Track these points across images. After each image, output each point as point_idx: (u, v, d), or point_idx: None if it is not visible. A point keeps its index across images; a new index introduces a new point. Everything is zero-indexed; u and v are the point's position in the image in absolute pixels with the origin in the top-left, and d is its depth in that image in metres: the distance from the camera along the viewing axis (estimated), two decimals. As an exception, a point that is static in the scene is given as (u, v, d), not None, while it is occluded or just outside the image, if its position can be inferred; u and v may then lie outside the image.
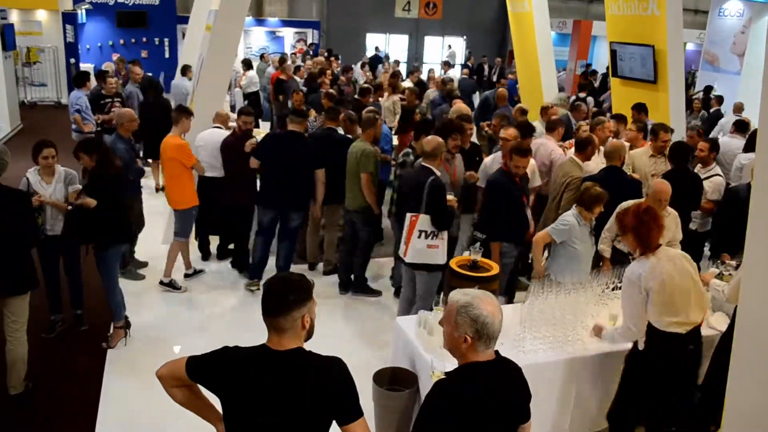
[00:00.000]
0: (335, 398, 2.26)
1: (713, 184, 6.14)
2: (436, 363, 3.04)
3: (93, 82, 9.64)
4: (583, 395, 4.05)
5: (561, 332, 3.99)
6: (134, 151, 6.28)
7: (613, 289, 4.51)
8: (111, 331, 5.32)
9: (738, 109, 11.26)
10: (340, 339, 5.55)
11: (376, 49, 21.42)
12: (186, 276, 6.56)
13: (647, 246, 3.63)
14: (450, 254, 5.10)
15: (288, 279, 2.34)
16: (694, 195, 5.91)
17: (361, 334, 5.74)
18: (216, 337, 5.40)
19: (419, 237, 4.95)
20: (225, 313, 6.04)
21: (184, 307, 6.09)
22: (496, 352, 2.46)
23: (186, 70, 11.14)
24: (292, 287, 2.30)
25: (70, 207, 4.98)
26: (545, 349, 3.91)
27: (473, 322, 2.35)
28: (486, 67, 19.44)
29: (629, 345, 3.89)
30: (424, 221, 4.95)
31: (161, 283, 6.35)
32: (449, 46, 23.76)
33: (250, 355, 2.30)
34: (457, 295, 2.45)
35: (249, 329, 5.42)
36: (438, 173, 5.05)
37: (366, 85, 10.46)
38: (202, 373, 2.34)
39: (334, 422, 2.31)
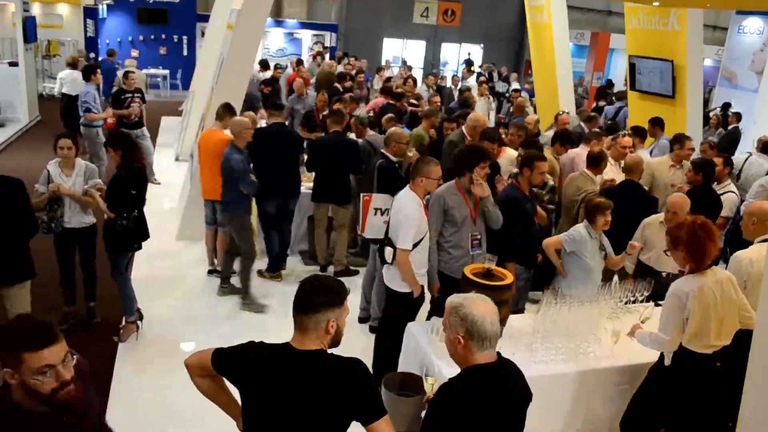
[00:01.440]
0: (355, 399, 2.27)
1: (727, 200, 6.13)
2: (429, 370, 3.05)
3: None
4: (595, 407, 4.03)
5: (573, 344, 3.98)
6: (250, 163, 6.06)
7: (626, 303, 4.50)
8: (123, 324, 5.36)
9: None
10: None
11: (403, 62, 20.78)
12: (209, 271, 6.70)
13: (700, 262, 3.56)
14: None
15: (323, 281, 2.37)
16: (714, 212, 5.87)
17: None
18: (229, 334, 5.42)
19: (375, 214, 5.61)
20: (238, 310, 6.04)
21: (198, 303, 6.11)
22: (498, 353, 2.49)
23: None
24: (324, 289, 2.31)
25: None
26: (557, 361, 3.90)
27: (463, 321, 2.40)
28: (495, 74, 19.27)
29: (644, 359, 3.88)
30: (377, 200, 5.65)
31: (209, 272, 6.66)
32: (468, 54, 23.71)
33: (273, 352, 2.33)
34: (453, 298, 2.52)
35: (262, 329, 5.50)
36: (393, 158, 5.80)
37: (399, 90, 10.34)
38: (226, 366, 2.38)
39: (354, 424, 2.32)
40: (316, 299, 2.28)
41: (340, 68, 14.20)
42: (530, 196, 5.23)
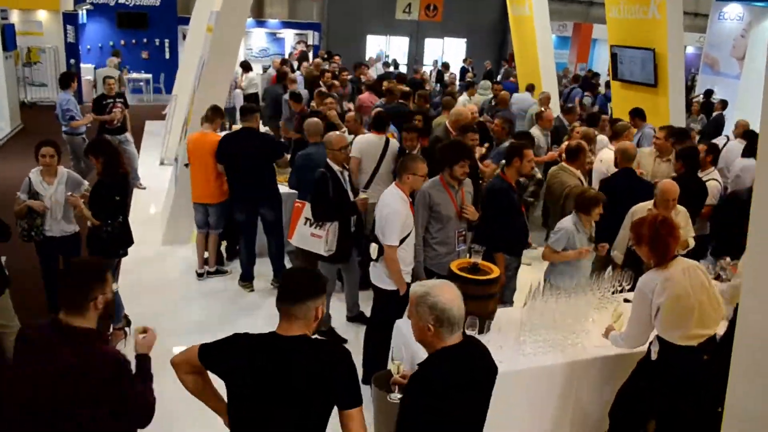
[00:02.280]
0: (337, 384, 2.37)
1: (710, 188, 6.14)
2: (395, 353, 3.07)
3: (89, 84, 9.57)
4: (584, 398, 4.04)
5: (561, 335, 3.99)
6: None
7: (613, 293, 4.51)
8: (110, 331, 5.31)
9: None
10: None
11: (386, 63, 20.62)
12: (199, 275, 6.63)
13: (663, 258, 3.61)
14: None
15: (306, 271, 2.55)
16: (700, 200, 5.90)
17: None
18: (217, 337, 5.38)
19: (305, 224, 5.31)
20: (226, 314, 6.02)
21: (184, 308, 6.08)
22: (463, 333, 2.57)
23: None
24: (309, 279, 2.47)
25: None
26: (545, 353, 3.91)
27: (431, 309, 2.45)
28: (470, 69, 19.18)
29: (631, 350, 3.89)
30: (308, 210, 5.30)
31: (209, 273, 6.62)
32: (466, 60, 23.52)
33: (259, 340, 2.42)
34: (416, 287, 2.58)
35: (252, 329, 5.45)
36: (335, 168, 5.22)
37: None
38: (212, 358, 2.46)
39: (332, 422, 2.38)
40: (304, 289, 2.42)
41: (325, 66, 14.15)
42: (516, 187, 5.25)
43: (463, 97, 11.41)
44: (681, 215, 5.10)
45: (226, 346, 2.45)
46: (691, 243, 5.13)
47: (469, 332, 3.62)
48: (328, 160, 5.31)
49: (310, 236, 5.28)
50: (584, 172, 6.45)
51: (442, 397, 2.44)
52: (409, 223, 4.50)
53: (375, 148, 6.35)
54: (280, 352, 2.36)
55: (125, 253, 5.26)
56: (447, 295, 2.49)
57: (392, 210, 4.40)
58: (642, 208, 5.11)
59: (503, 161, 5.46)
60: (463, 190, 4.84)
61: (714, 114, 12.49)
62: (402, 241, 4.45)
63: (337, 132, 6.06)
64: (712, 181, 6.24)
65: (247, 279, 6.49)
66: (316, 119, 6.54)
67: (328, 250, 5.24)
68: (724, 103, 12.59)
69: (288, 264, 6.86)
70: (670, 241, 3.60)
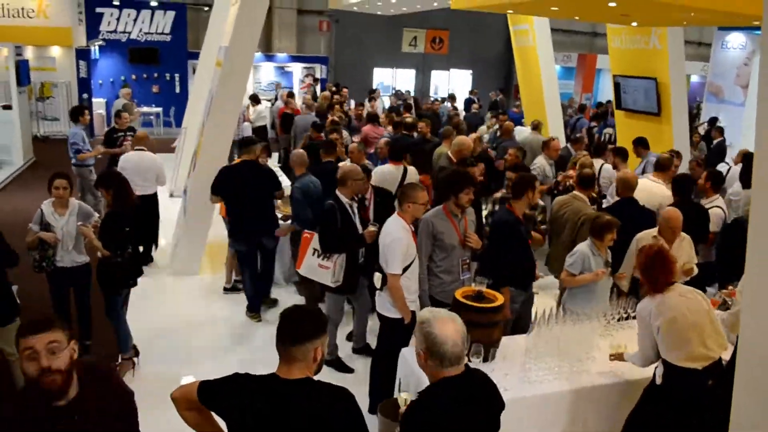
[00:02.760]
0: (344, 428, 2.30)
1: (713, 215, 6.13)
2: (402, 384, 3.06)
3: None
4: (590, 425, 4.02)
5: (567, 363, 4.00)
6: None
7: (618, 320, 4.52)
8: (119, 361, 5.35)
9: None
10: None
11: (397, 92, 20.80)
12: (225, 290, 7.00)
13: (654, 286, 3.72)
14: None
15: (305, 310, 2.43)
16: (701, 226, 5.88)
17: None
18: (225, 368, 5.39)
19: (313, 254, 5.36)
20: (236, 343, 6.06)
21: (194, 337, 6.11)
22: (466, 365, 2.53)
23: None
24: (309, 319, 2.37)
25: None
26: (551, 380, 3.91)
27: (425, 338, 2.45)
28: (476, 99, 19.37)
29: (638, 375, 3.89)
30: (316, 241, 5.36)
31: (225, 290, 6.98)
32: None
33: (259, 382, 2.35)
34: (424, 312, 2.57)
35: (261, 360, 5.47)
36: (344, 200, 5.28)
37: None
38: (212, 398, 2.39)
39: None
40: (304, 329, 2.32)
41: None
42: (523, 220, 5.19)
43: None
44: (685, 242, 5.12)
45: (226, 387, 2.37)
46: (695, 270, 5.13)
47: (474, 360, 3.65)
48: (337, 192, 5.34)
49: (317, 267, 5.33)
50: (591, 200, 6.50)
51: (438, 429, 2.40)
52: (411, 251, 4.54)
53: (393, 177, 6.46)
54: (279, 396, 2.28)
55: (135, 284, 5.32)
56: (445, 329, 2.45)
57: (394, 239, 4.45)
58: (647, 236, 5.14)
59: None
60: (466, 219, 4.86)
61: (715, 142, 12.53)
62: (405, 270, 4.48)
63: (349, 162, 6.13)
64: (716, 208, 6.24)
65: (254, 310, 6.52)
66: (301, 151, 6.72)
67: (335, 281, 5.30)
68: (721, 130, 12.69)
69: (290, 295, 6.91)
70: (661, 275, 3.70)
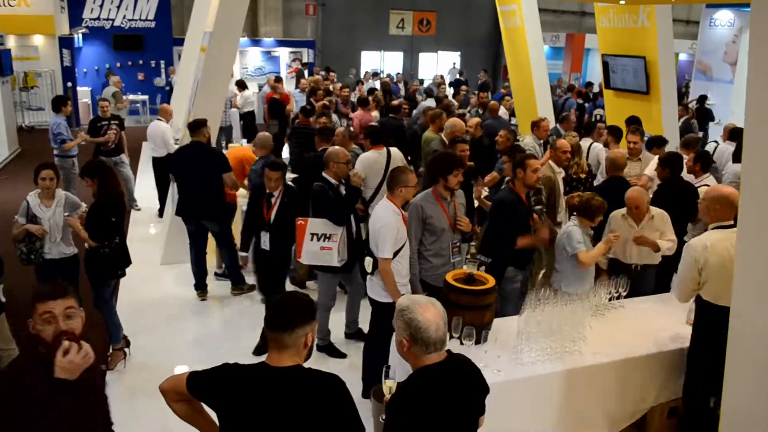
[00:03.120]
0: (335, 415, 2.28)
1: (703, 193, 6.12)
2: (391, 371, 3.04)
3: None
4: (583, 406, 4.04)
5: (559, 344, 4.00)
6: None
7: (610, 300, 4.53)
8: (110, 352, 5.32)
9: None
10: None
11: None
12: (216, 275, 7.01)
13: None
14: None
15: (294, 297, 2.41)
16: (689, 205, 5.88)
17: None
18: (217, 356, 5.37)
19: (312, 240, 5.22)
20: (227, 332, 6.04)
21: (185, 327, 6.08)
22: (448, 351, 2.51)
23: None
24: (298, 305, 2.35)
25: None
26: (543, 361, 3.91)
27: (407, 326, 2.42)
28: (464, 81, 19.33)
29: (630, 354, 3.95)
30: (313, 224, 5.23)
31: (216, 275, 6.99)
32: (454, 64, 23.74)
33: (250, 372, 2.33)
34: (402, 299, 2.53)
35: (251, 349, 5.48)
36: (332, 181, 5.33)
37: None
38: (201, 389, 2.36)
39: None
40: (294, 316, 2.31)
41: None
42: (527, 202, 5.15)
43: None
44: (656, 219, 5.14)
45: (214, 377, 2.34)
46: (671, 246, 5.13)
47: (466, 342, 3.65)
48: (325, 174, 5.36)
49: (320, 251, 5.25)
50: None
51: (421, 419, 2.39)
52: (402, 235, 4.51)
53: (378, 163, 6.41)
54: (271, 385, 2.27)
55: (123, 274, 5.27)
56: (427, 314, 2.43)
57: (384, 223, 4.44)
58: (617, 214, 5.25)
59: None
60: (456, 202, 4.82)
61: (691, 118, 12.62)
62: (396, 254, 4.47)
63: (338, 147, 5.96)
64: (704, 186, 6.22)
65: (199, 288, 6.62)
66: (266, 134, 6.89)
67: (341, 260, 5.27)
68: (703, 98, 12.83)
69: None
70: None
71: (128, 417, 4.59)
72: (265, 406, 2.25)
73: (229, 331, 6.07)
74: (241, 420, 2.27)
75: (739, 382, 2.76)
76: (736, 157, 7.24)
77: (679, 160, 6.09)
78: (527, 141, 8.08)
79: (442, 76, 19.49)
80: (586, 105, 15.88)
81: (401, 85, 18.51)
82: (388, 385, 2.89)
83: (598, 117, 13.61)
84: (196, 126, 6.51)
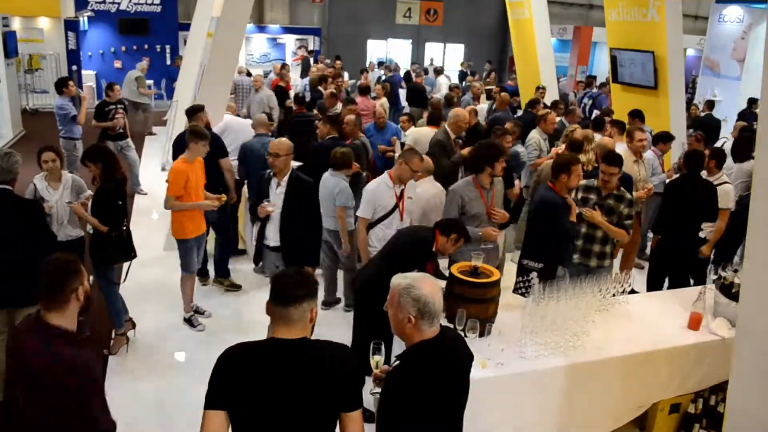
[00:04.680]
0: (344, 383, 2.34)
1: (725, 191, 5.99)
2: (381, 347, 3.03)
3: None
4: (586, 401, 4.04)
5: (562, 338, 4.00)
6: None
7: (614, 294, 4.52)
8: (113, 337, 5.33)
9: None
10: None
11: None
12: (185, 320, 5.91)
13: None
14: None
15: (299, 272, 2.45)
16: (708, 203, 5.75)
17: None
18: (219, 342, 5.39)
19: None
20: (228, 317, 6.05)
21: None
22: (440, 325, 2.60)
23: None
24: (303, 281, 2.40)
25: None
26: (546, 355, 3.91)
27: (415, 302, 2.48)
28: (468, 72, 19.20)
29: (632, 350, 3.89)
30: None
31: (185, 320, 5.87)
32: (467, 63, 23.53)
33: (259, 347, 2.36)
34: (398, 279, 2.59)
35: (252, 333, 5.46)
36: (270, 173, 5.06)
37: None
38: (218, 391, 2.29)
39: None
40: (300, 291, 2.36)
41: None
42: (568, 199, 5.03)
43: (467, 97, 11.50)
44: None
45: (220, 369, 2.29)
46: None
47: (470, 335, 3.65)
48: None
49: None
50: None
51: (420, 392, 2.46)
52: (384, 204, 5.06)
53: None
54: (284, 357, 2.29)
55: (135, 255, 5.26)
56: (429, 288, 2.52)
57: (368, 189, 5.12)
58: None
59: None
60: (494, 191, 5.00)
61: (703, 114, 12.54)
62: (381, 220, 5.08)
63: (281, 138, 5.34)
64: (726, 185, 6.10)
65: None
66: (262, 115, 7.02)
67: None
68: (711, 104, 12.71)
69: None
70: None
71: (125, 401, 4.61)
72: (278, 376, 2.27)
73: (232, 317, 6.07)
74: (254, 395, 2.26)
75: (745, 381, 2.75)
76: (735, 154, 7.17)
77: (702, 157, 6.02)
78: (533, 135, 8.02)
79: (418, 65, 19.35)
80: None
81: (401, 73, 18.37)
82: (376, 360, 2.92)
83: (587, 107, 13.68)
84: (193, 112, 6.48)
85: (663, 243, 5.92)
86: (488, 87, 12.45)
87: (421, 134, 7.54)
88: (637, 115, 8.33)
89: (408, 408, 2.46)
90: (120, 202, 5.09)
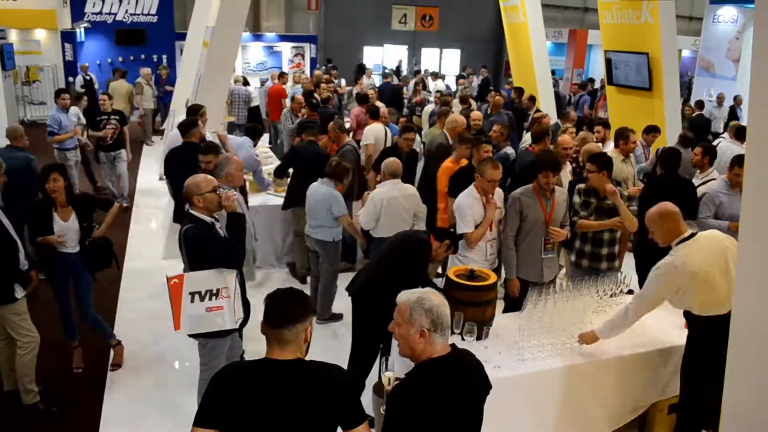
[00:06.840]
0: (339, 404, 2.30)
1: (709, 189, 5.99)
2: (390, 364, 3.04)
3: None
4: (584, 402, 4.04)
5: (560, 340, 4.00)
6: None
7: (611, 296, 4.53)
8: (111, 353, 5.27)
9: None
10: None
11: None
12: None
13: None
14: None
15: (292, 292, 2.40)
16: (687, 201, 5.62)
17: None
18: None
19: (192, 301, 3.86)
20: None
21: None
22: (452, 345, 2.55)
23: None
24: (297, 301, 2.36)
25: None
26: (544, 357, 3.92)
27: (428, 313, 2.47)
28: (467, 76, 19.22)
29: (630, 352, 3.92)
30: (191, 282, 3.87)
31: None
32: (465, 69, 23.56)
33: (252, 367, 2.33)
34: (406, 295, 2.57)
35: (251, 341, 5.47)
36: (205, 218, 3.95)
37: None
38: (209, 410, 2.28)
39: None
40: (294, 311, 2.32)
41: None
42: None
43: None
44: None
45: (213, 391, 2.28)
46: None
47: (467, 338, 3.66)
48: (194, 212, 3.99)
49: (206, 313, 3.88)
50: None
51: (426, 411, 2.40)
52: (476, 218, 4.95)
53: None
54: (276, 378, 2.27)
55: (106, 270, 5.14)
56: (438, 299, 2.51)
57: (462, 205, 4.98)
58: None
59: None
60: (555, 199, 4.93)
61: (693, 115, 12.58)
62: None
63: (199, 175, 4.21)
64: (713, 182, 6.08)
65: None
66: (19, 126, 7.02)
67: (238, 318, 4.00)
68: (701, 104, 12.77)
69: (286, 276, 6.90)
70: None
71: (133, 412, 4.61)
72: (271, 398, 2.25)
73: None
74: (248, 416, 2.24)
75: (740, 381, 2.76)
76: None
77: (678, 155, 6.01)
78: (527, 138, 8.06)
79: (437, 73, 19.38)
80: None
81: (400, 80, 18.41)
82: (388, 377, 2.91)
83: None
84: (188, 127, 6.47)
85: (642, 244, 5.77)
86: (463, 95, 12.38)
87: (375, 130, 7.95)
88: (652, 131, 8.23)
89: (412, 429, 2.41)
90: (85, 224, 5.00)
